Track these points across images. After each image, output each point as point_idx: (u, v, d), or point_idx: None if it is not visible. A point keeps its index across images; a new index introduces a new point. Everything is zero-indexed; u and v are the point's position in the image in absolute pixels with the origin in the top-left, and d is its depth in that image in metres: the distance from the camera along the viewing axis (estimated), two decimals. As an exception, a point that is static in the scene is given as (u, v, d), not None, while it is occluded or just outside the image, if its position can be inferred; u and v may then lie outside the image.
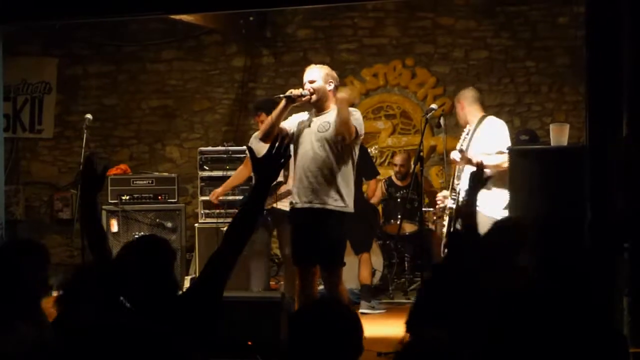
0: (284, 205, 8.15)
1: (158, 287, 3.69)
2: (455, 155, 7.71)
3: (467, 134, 7.76)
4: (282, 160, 3.79)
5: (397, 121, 11.51)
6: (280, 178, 8.22)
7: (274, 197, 8.31)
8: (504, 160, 7.44)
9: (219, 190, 9.02)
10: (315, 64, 11.34)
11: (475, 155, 7.49)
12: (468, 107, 7.93)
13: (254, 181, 8.25)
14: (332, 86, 6.85)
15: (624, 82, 6.00)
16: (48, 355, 2.61)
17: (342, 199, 6.68)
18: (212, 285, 3.73)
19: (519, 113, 11.02)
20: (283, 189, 8.32)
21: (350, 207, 6.76)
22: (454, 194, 7.69)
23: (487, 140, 7.63)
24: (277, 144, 3.79)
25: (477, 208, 7.54)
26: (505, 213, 7.18)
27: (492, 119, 7.95)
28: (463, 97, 8.01)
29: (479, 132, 7.73)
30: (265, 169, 3.80)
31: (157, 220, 9.76)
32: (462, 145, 7.68)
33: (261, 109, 8.44)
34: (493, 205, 7.27)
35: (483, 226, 7.44)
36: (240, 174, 9.06)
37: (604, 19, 6.11)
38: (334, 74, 7.01)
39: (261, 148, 8.26)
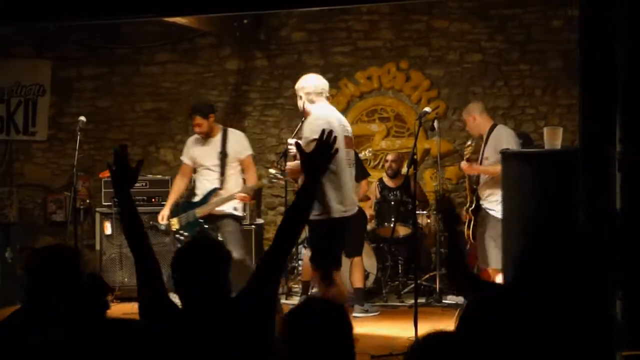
0: (221, 209, 8.17)
1: (212, 289, 3.68)
2: (463, 165, 8.41)
3: (471, 142, 8.44)
4: (330, 155, 3.79)
5: (391, 124, 11.51)
6: (217, 185, 8.19)
7: (212, 203, 8.19)
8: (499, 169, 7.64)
9: (165, 212, 8.45)
10: (310, 66, 11.46)
11: (484, 163, 8.30)
12: (479, 117, 8.52)
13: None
14: (302, 99, 7.14)
15: (618, 85, 6.00)
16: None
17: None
18: (266, 288, 3.74)
19: (513, 116, 11.03)
20: (219, 195, 8.22)
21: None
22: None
23: (498, 147, 7.91)
24: (324, 140, 3.79)
25: (491, 212, 7.92)
26: None
27: (502, 128, 8.53)
28: (473, 110, 8.61)
29: (492, 140, 8.11)
30: (314, 166, 3.79)
31: (151, 222, 9.71)
32: (467, 155, 8.37)
33: (195, 112, 8.36)
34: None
35: (496, 229, 7.66)
36: (180, 186, 8.60)
37: (597, 22, 6.11)
38: (302, 84, 7.21)
39: (197, 151, 8.26)
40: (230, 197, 8.16)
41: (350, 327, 3.14)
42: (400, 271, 9.98)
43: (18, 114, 11.98)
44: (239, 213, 8.34)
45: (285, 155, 9.71)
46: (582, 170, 6.07)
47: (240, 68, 11.80)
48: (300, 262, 10.23)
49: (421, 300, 8.77)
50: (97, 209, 9.79)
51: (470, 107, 8.77)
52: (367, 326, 8.30)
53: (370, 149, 11.31)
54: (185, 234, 8.30)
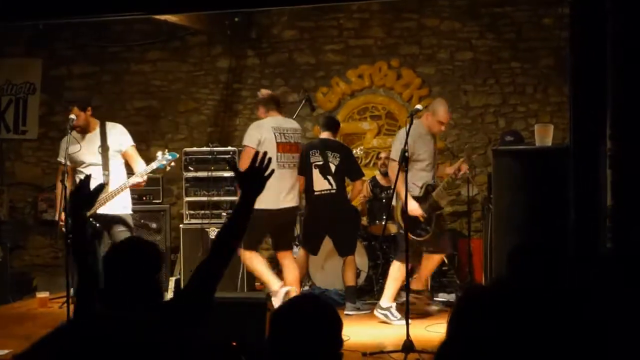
0: (112, 210, 8.06)
1: (141, 292, 3.66)
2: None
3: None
4: (267, 174, 3.80)
5: (383, 122, 11.51)
6: (101, 180, 8.03)
7: (101, 200, 7.93)
8: None
9: (61, 214, 8.19)
10: (301, 65, 11.46)
11: None
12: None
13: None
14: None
15: (608, 83, 6.01)
16: None
17: None
18: (199, 296, 3.71)
19: (504, 114, 11.04)
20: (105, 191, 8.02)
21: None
22: None
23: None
24: (257, 165, 3.79)
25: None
26: None
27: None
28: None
29: None
30: (250, 183, 3.80)
31: (142, 221, 9.71)
32: None
33: (73, 103, 8.23)
34: None
35: None
36: (60, 185, 8.12)
37: (588, 20, 6.13)
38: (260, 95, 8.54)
39: (75, 149, 8.10)
40: (120, 190, 8.01)
41: (338, 325, 3.13)
42: (391, 269, 9.97)
43: (8, 112, 11.96)
44: (129, 211, 8.25)
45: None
46: (572, 167, 6.09)
47: (232, 66, 11.79)
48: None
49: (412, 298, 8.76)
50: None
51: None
52: (358, 324, 8.30)
53: (362, 147, 11.31)
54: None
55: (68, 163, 8.01)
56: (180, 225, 9.81)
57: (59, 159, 8.28)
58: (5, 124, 11.98)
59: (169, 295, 9.17)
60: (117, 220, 8.05)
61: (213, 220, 9.36)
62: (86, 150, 8.13)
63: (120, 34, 11.80)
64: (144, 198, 9.98)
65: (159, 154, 8.22)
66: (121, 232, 8.02)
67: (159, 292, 3.78)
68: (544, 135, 7.18)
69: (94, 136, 8.17)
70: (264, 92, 8.63)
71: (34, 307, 9.78)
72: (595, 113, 6.03)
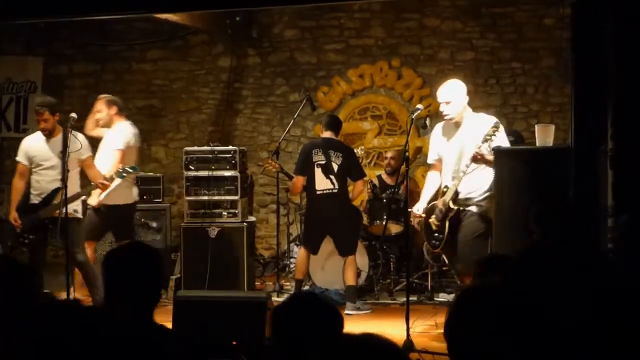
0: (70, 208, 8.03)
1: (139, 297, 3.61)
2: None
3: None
4: None
5: (384, 122, 11.51)
6: (58, 185, 8.05)
7: (56, 205, 7.97)
8: None
9: (14, 214, 8.30)
10: (302, 64, 11.46)
11: None
12: (465, 103, 7.74)
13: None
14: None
15: (610, 83, 6.02)
16: None
17: None
18: None
19: (505, 114, 11.03)
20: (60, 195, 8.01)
21: None
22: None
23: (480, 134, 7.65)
24: None
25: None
26: None
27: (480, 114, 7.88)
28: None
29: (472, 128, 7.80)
30: None
31: (142, 219, 9.70)
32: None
33: (44, 106, 8.24)
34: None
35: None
36: (20, 187, 8.41)
37: (589, 20, 6.13)
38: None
39: (36, 151, 8.13)
40: (76, 196, 8.12)
41: (339, 323, 3.12)
42: (392, 269, 9.96)
43: (9, 111, 11.96)
44: (80, 215, 8.33)
45: (277, 152, 9.73)
46: (574, 167, 6.09)
47: (233, 65, 11.79)
48: (292, 260, 10.22)
49: (413, 297, 8.75)
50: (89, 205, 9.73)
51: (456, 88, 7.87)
52: (358, 324, 8.29)
53: (363, 147, 11.31)
54: (31, 236, 8.22)
55: (83, 157, 8.22)
56: (181, 224, 9.80)
57: (17, 158, 8.42)
58: (5, 122, 11.98)
59: (169, 293, 9.17)
60: (69, 222, 7.97)
61: (215, 219, 9.35)
62: (47, 154, 8.24)
63: (121, 32, 11.80)
64: (145, 197, 9.96)
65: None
66: (74, 235, 8.09)
67: (157, 295, 3.72)
68: (545, 136, 7.17)
69: (57, 141, 8.22)
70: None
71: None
72: (596, 113, 6.04)
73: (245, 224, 9.39)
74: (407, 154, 7.44)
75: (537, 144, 7.29)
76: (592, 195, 6.02)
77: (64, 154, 8.09)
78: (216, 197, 9.42)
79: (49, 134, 8.24)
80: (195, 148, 9.87)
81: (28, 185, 8.38)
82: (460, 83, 7.64)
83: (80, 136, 8.35)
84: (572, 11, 6.58)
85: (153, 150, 11.94)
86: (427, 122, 9.57)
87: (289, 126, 10.21)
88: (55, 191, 8.14)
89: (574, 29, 6.45)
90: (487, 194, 7.40)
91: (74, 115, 8.09)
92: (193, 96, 11.91)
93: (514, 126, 10.69)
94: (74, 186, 8.12)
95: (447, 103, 7.45)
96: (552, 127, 7.37)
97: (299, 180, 9.01)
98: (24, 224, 8.23)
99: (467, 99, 7.53)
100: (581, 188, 6.02)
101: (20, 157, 8.38)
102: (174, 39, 11.86)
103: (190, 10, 9.58)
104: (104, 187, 8.28)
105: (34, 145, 8.31)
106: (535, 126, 7.56)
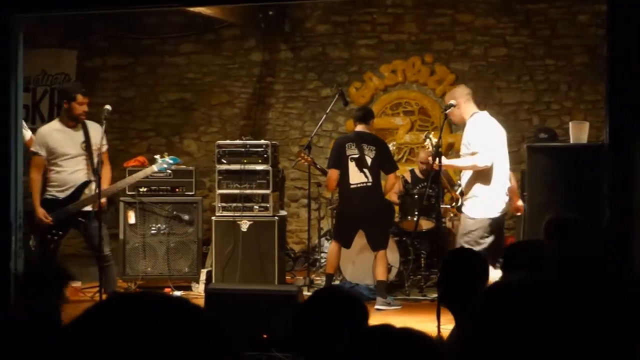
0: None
1: None
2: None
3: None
4: None
5: (416, 118, 11.50)
6: (84, 177, 8.08)
7: (89, 198, 8.03)
8: (474, 162, 7.47)
9: (41, 209, 8.02)
10: (334, 59, 11.46)
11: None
12: (464, 104, 7.81)
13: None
14: None
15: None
16: None
17: None
18: None
19: (538, 111, 10.99)
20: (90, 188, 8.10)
21: None
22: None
23: (469, 139, 7.64)
24: None
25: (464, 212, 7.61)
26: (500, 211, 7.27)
27: (480, 116, 7.82)
28: (459, 94, 7.87)
29: (465, 131, 7.78)
30: None
31: (174, 212, 9.73)
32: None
33: (79, 92, 8.15)
34: (482, 208, 7.35)
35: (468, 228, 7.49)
36: (40, 180, 8.15)
37: (626, 17, 6.08)
38: None
39: (58, 141, 8.01)
40: (107, 192, 8.14)
41: (363, 317, 3.10)
42: (422, 265, 9.95)
43: (43, 103, 12.04)
44: (106, 207, 8.40)
45: (309, 147, 9.72)
46: (608, 164, 6.05)
47: (265, 60, 11.81)
48: (323, 254, 10.23)
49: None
50: (121, 198, 9.79)
51: (456, 91, 8.08)
52: (388, 319, 8.26)
53: (394, 143, 11.29)
54: (60, 232, 8.18)
55: (104, 149, 8.11)
56: (213, 218, 9.82)
57: (35, 149, 8.06)
58: (40, 114, 12.06)
59: (200, 287, 9.22)
60: (92, 215, 8.05)
61: (245, 213, 9.37)
62: (69, 144, 8.08)
63: (154, 26, 11.86)
64: (177, 190, 10.00)
65: (158, 157, 8.26)
66: (98, 229, 8.04)
67: None
68: (580, 132, 7.15)
69: (78, 131, 8.12)
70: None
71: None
72: (631, 110, 5.99)
73: (276, 217, 9.41)
74: (440, 149, 7.43)
75: (571, 141, 7.26)
76: (626, 193, 5.98)
77: (87, 144, 8.07)
78: (248, 191, 9.44)
79: (74, 125, 8.11)
80: (228, 142, 9.89)
81: (43, 178, 8.21)
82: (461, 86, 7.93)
83: (97, 126, 8.21)
84: (608, 7, 6.54)
85: (185, 143, 11.99)
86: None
87: (322, 121, 10.18)
88: (84, 184, 8.13)
89: (609, 26, 6.41)
90: (471, 198, 7.59)
91: (108, 107, 8.12)
92: (225, 90, 11.95)
93: (546, 123, 10.65)
94: (103, 179, 8.02)
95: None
96: (587, 124, 7.35)
97: (334, 173, 8.96)
98: (54, 220, 8.06)
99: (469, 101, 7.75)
100: (615, 185, 5.98)
101: (38, 148, 8.09)
102: (206, 32, 11.89)
103: (223, 4, 9.62)
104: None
105: (55, 136, 8.11)
106: (570, 123, 7.55)
